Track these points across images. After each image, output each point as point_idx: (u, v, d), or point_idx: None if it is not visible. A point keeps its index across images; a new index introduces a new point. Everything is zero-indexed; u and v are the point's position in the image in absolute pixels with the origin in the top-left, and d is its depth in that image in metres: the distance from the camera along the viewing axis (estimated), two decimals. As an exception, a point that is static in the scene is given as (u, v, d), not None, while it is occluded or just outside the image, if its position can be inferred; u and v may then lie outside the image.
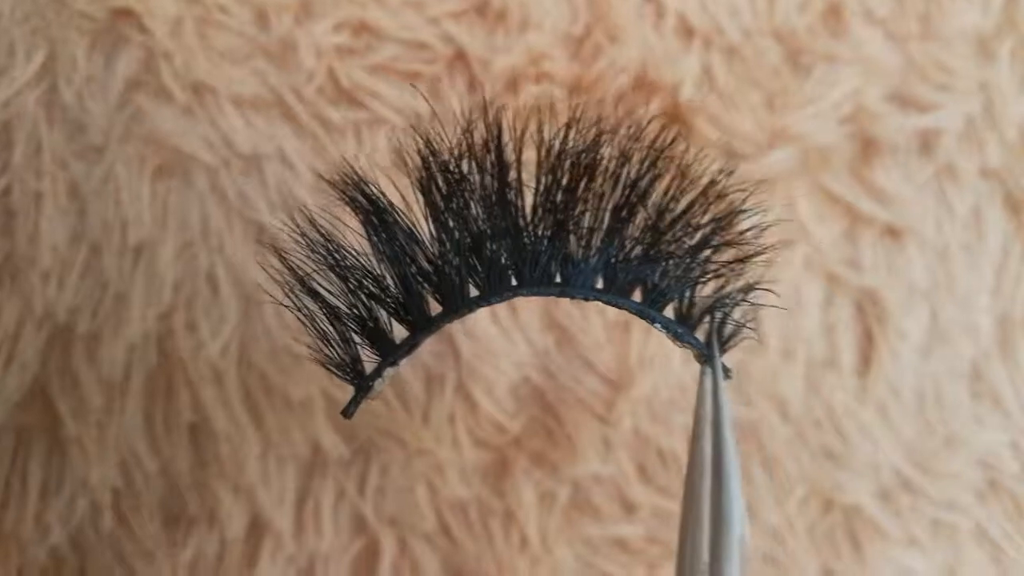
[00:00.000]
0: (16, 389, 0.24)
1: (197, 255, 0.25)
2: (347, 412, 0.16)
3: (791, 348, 0.25)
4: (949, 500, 0.25)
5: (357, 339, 0.16)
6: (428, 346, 0.24)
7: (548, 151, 0.16)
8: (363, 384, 0.16)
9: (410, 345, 0.16)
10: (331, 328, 0.16)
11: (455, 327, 0.24)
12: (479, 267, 0.16)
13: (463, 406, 0.24)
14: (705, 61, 0.25)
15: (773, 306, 0.19)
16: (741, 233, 0.18)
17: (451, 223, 0.16)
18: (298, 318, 0.16)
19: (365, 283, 0.16)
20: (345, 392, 0.24)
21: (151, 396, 0.24)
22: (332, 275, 0.16)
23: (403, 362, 0.16)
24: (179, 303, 0.24)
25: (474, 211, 0.16)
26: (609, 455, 0.24)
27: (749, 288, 0.18)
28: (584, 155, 0.16)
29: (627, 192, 0.16)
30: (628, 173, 0.16)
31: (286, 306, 0.16)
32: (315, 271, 0.16)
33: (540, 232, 0.16)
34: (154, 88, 0.25)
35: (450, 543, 0.24)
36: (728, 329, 0.17)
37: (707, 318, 0.17)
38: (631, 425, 0.24)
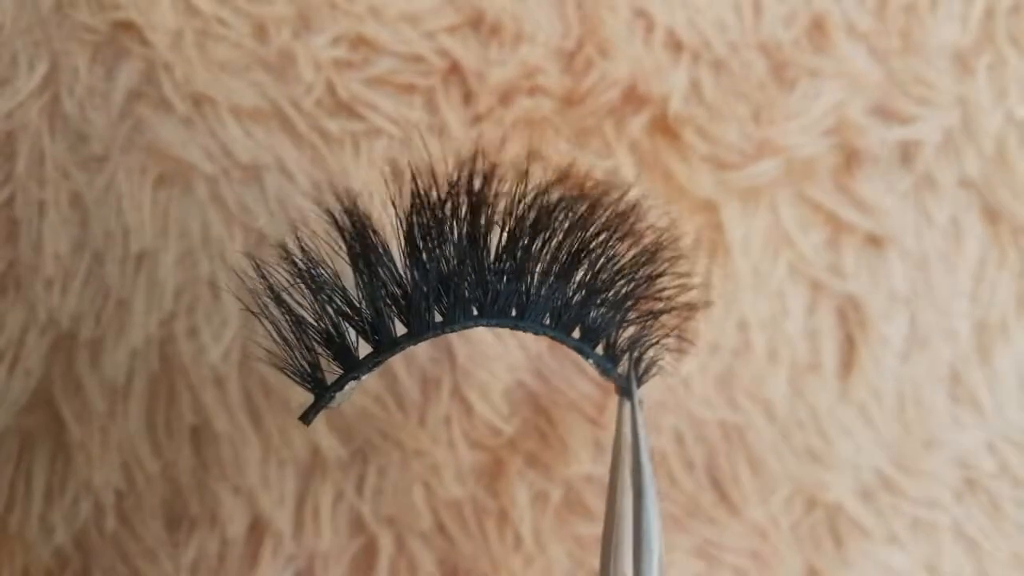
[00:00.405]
0: (21, 394, 0.25)
1: (198, 262, 0.25)
2: (306, 419, 0.17)
3: (776, 352, 0.26)
4: (928, 499, 0.25)
5: (320, 350, 0.17)
6: (425, 351, 0.25)
7: (517, 205, 0.18)
8: (324, 394, 0.17)
9: (374, 363, 0.17)
10: (294, 336, 0.17)
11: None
12: (445, 297, 0.17)
13: (459, 409, 0.25)
14: (693, 74, 0.26)
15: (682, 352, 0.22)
16: (662, 291, 0.20)
17: (425, 257, 0.17)
18: (262, 323, 0.17)
19: (335, 299, 0.17)
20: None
21: (153, 400, 0.25)
22: (304, 287, 0.17)
23: (364, 376, 0.17)
24: (180, 309, 0.25)
25: (447, 250, 0.17)
26: (600, 456, 0.25)
27: (664, 334, 0.20)
28: (545, 213, 0.19)
29: (576, 246, 0.19)
30: (580, 232, 0.19)
31: (253, 312, 0.17)
32: (289, 281, 0.17)
33: (502, 273, 0.18)
34: (155, 99, 0.26)
35: (446, 542, 0.25)
36: (644, 366, 0.20)
37: (626, 356, 0.20)
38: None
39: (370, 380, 0.25)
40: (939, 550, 0.25)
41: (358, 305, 0.17)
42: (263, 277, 0.17)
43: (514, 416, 0.25)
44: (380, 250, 0.17)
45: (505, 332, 0.25)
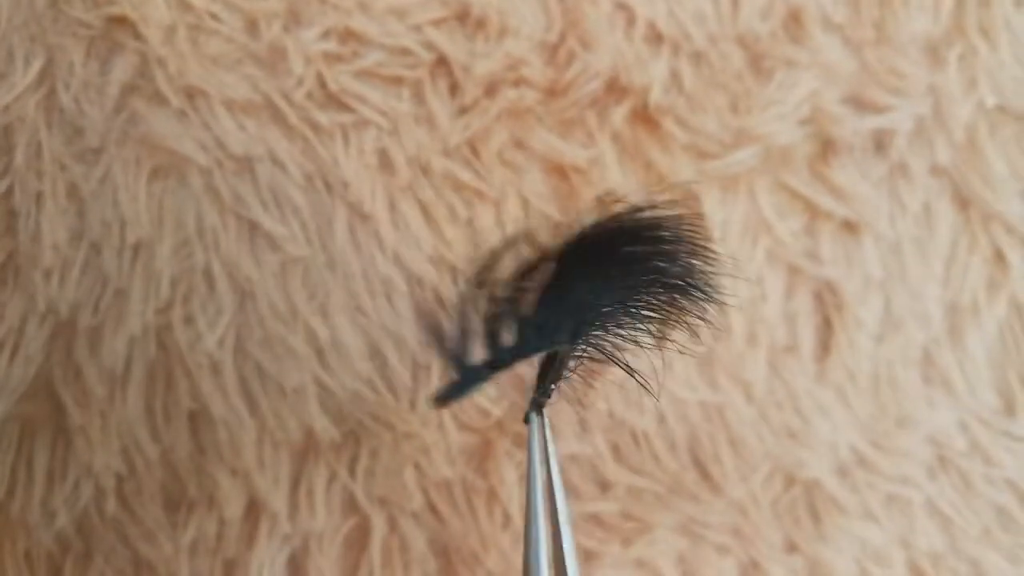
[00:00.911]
0: (21, 381, 0.25)
1: (193, 252, 0.26)
2: (444, 400, 0.18)
3: (755, 335, 0.26)
4: (902, 476, 0.26)
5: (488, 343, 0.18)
6: (417, 336, 0.26)
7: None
8: (475, 379, 0.18)
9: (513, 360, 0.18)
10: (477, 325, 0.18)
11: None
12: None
13: (448, 393, 0.26)
14: (673, 66, 0.27)
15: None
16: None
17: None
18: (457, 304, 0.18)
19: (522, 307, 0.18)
20: (333, 380, 0.25)
21: (151, 386, 0.25)
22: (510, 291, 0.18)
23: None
24: (177, 298, 0.26)
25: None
26: (585, 436, 0.26)
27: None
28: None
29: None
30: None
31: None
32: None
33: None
34: (149, 93, 0.26)
35: (437, 521, 0.25)
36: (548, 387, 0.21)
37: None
38: (606, 408, 0.26)
39: (362, 364, 0.26)
40: (913, 525, 0.26)
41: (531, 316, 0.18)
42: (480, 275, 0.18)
43: (502, 398, 0.26)
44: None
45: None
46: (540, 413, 0.20)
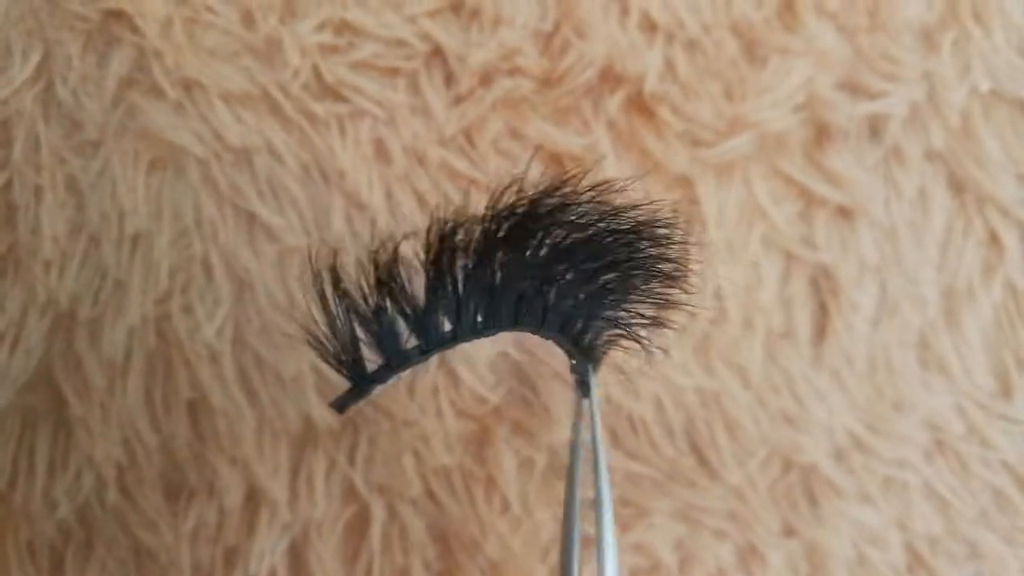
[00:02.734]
0: (22, 372, 0.25)
1: (191, 243, 0.26)
2: (341, 406, 0.17)
3: (751, 320, 0.26)
4: (899, 459, 0.26)
5: (369, 339, 0.17)
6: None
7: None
8: (367, 384, 0.17)
9: (418, 359, 0.18)
10: (344, 325, 0.17)
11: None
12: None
13: (446, 380, 0.26)
14: (667, 54, 0.27)
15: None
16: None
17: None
18: (319, 308, 0.17)
19: (402, 298, 0.18)
20: (331, 369, 0.25)
21: (151, 376, 0.25)
22: (374, 281, 0.18)
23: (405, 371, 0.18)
24: (175, 288, 0.26)
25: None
26: (582, 423, 0.26)
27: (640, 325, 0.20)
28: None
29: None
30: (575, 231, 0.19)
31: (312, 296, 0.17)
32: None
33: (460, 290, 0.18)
34: (146, 86, 0.27)
35: (436, 508, 0.25)
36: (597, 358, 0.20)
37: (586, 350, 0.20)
38: (603, 394, 0.26)
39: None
40: (910, 508, 0.26)
41: (419, 306, 0.17)
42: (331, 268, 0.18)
43: (499, 386, 0.26)
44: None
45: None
46: (586, 394, 0.20)
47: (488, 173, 0.26)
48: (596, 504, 0.19)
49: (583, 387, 0.20)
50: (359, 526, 0.25)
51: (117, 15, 0.27)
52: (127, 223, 0.26)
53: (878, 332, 0.27)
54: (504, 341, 0.26)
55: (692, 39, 0.27)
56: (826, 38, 0.27)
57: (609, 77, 0.27)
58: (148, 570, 0.25)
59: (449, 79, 0.27)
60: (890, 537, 0.26)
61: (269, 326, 0.25)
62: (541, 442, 0.26)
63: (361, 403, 0.18)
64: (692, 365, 0.26)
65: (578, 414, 0.21)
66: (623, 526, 0.26)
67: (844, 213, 0.27)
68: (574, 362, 0.20)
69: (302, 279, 0.25)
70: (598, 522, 0.19)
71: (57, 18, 0.27)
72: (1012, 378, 0.27)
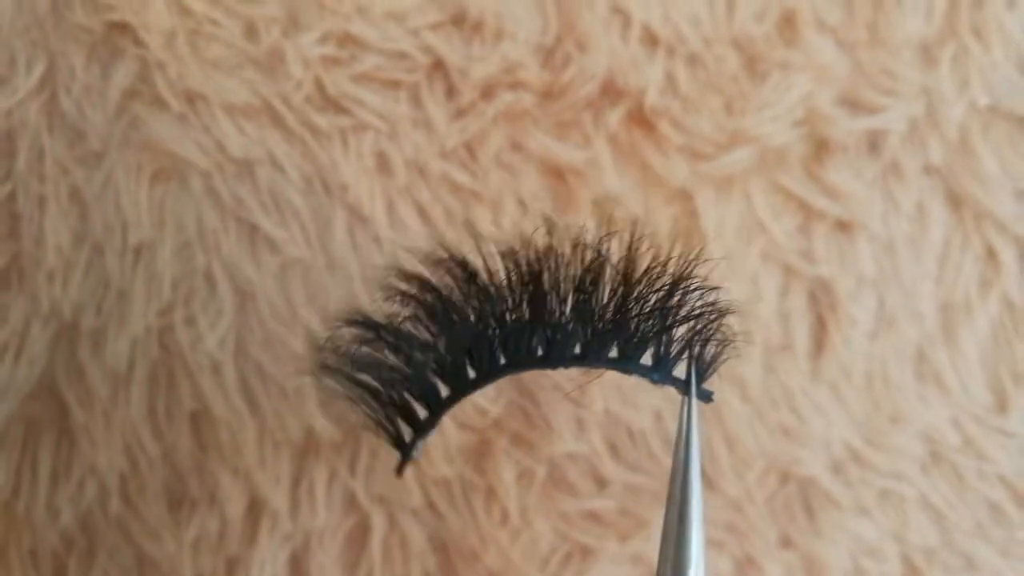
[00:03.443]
0: (25, 382, 0.26)
1: (194, 254, 0.26)
2: (400, 473, 0.20)
3: (750, 334, 0.27)
4: (896, 471, 0.27)
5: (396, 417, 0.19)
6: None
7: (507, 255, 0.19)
8: (406, 452, 0.20)
9: (431, 422, 0.19)
10: (378, 410, 0.19)
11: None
12: (473, 353, 0.19)
13: (446, 392, 0.26)
14: (668, 68, 0.27)
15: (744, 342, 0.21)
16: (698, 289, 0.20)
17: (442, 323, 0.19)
18: (350, 398, 0.19)
19: (392, 376, 0.19)
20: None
21: (154, 386, 0.26)
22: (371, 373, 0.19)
23: (429, 435, 0.20)
24: (178, 299, 0.26)
25: (460, 310, 0.19)
26: (582, 435, 0.26)
27: (718, 321, 0.20)
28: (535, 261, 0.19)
29: (586, 274, 0.19)
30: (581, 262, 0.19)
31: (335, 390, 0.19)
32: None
33: (518, 315, 0.19)
34: (150, 97, 0.27)
35: (436, 518, 0.26)
36: (705, 361, 0.20)
37: (685, 354, 0.20)
38: (602, 407, 0.26)
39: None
40: (906, 520, 0.26)
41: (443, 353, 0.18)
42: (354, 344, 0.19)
43: (499, 398, 0.26)
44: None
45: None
46: (687, 393, 0.19)
47: (489, 186, 0.27)
48: (680, 533, 0.17)
49: (685, 386, 0.19)
50: (360, 536, 0.26)
51: (121, 27, 0.27)
52: (130, 234, 0.26)
53: (876, 346, 0.27)
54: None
55: (693, 53, 0.27)
56: (826, 53, 0.28)
57: (610, 91, 0.27)
58: (150, 579, 0.25)
59: (451, 92, 0.27)
60: (887, 549, 0.26)
61: (271, 337, 0.26)
62: (540, 454, 0.26)
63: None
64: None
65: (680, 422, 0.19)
66: (622, 536, 0.26)
67: (843, 227, 0.27)
68: (661, 378, 0.20)
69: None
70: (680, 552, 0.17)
71: (61, 29, 0.27)
72: (1008, 392, 0.27)
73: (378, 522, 0.26)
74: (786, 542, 0.26)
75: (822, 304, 0.27)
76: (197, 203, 0.26)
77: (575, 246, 0.19)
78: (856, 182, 0.27)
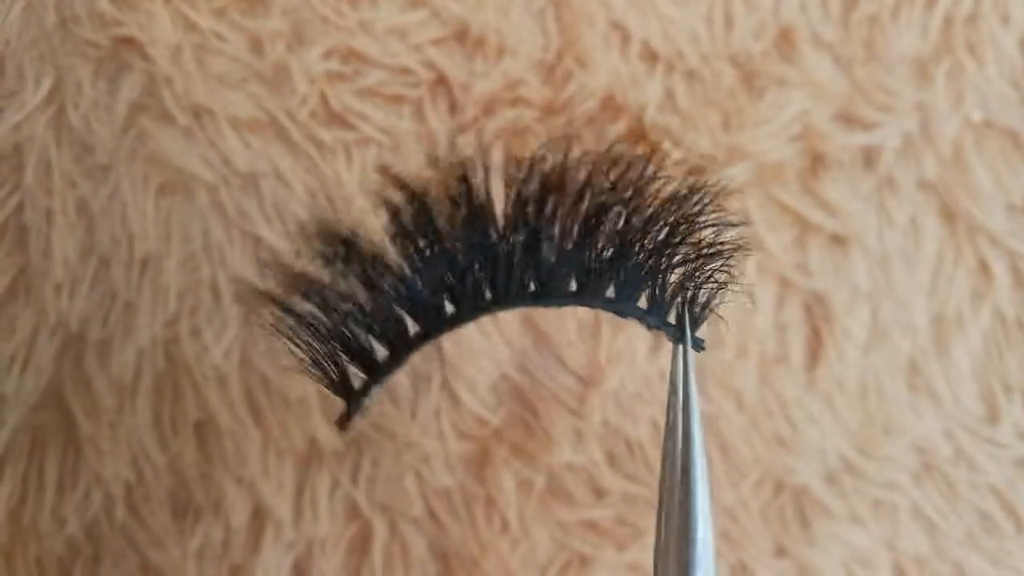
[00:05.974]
0: (32, 392, 0.26)
1: (200, 267, 0.26)
2: (343, 425, 0.17)
3: (745, 345, 0.27)
4: (888, 481, 0.27)
5: (345, 358, 0.17)
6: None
7: (519, 167, 0.17)
8: (353, 401, 0.17)
9: (392, 365, 0.16)
10: (320, 348, 0.17)
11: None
12: (454, 284, 0.16)
13: (448, 402, 0.26)
14: (667, 84, 0.28)
15: (735, 290, 0.20)
16: (702, 229, 0.19)
17: (422, 245, 0.16)
18: (288, 339, 0.17)
19: (347, 307, 0.16)
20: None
21: (159, 397, 0.26)
22: (318, 300, 0.17)
23: (386, 380, 0.17)
24: (184, 311, 0.26)
25: (444, 232, 0.16)
26: (581, 445, 0.26)
27: (713, 270, 0.19)
28: (554, 170, 0.17)
29: (595, 202, 0.17)
30: (596, 186, 0.18)
31: (276, 328, 0.17)
32: (304, 293, 0.17)
33: (513, 244, 0.16)
34: (156, 111, 0.27)
35: (437, 527, 0.26)
36: (697, 307, 0.19)
37: (678, 300, 0.19)
38: (601, 417, 0.27)
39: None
40: (898, 529, 0.27)
41: (369, 309, 0.16)
42: (284, 292, 0.17)
43: (500, 408, 0.26)
44: (372, 250, 0.16)
45: (490, 329, 0.27)
46: (680, 340, 0.18)
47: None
48: (684, 491, 0.16)
49: (678, 332, 0.18)
50: (362, 544, 0.26)
51: (128, 42, 0.27)
52: (136, 246, 0.26)
53: (869, 358, 0.27)
54: (505, 364, 0.27)
55: (691, 69, 0.28)
56: (823, 69, 0.28)
57: (610, 107, 0.27)
58: (155, 586, 0.26)
59: (453, 107, 0.27)
60: (879, 558, 0.27)
61: (275, 349, 0.26)
62: (540, 463, 0.26)
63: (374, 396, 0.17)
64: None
65: (673, 370, 0.18)
66: (619, 545, 0.26)
67: (838, 241, 0.28)
68: (652, 322, 0.18)
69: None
70: (687, 508, 0.16)
71: (69, 44, 0.27)
72: (999, 403, 0.27)
73: (380, 530, 0.26)
74: (780, 551, 0.27)
75: (817, 316, 0.28)
76: (203, 216, 0.27)
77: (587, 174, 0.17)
78: (851, 197, 0.28)
